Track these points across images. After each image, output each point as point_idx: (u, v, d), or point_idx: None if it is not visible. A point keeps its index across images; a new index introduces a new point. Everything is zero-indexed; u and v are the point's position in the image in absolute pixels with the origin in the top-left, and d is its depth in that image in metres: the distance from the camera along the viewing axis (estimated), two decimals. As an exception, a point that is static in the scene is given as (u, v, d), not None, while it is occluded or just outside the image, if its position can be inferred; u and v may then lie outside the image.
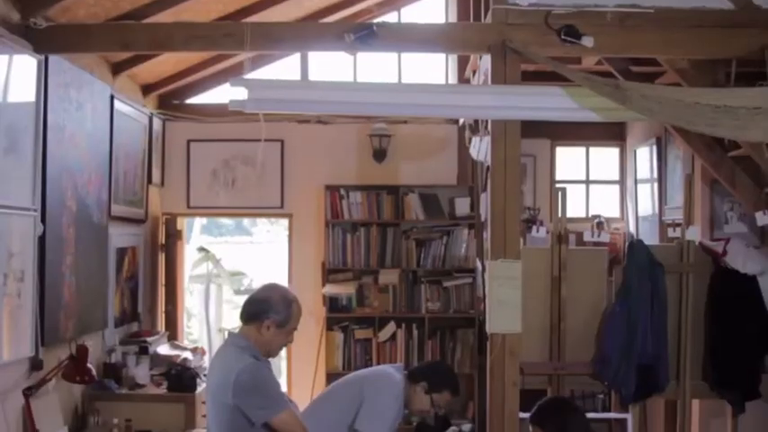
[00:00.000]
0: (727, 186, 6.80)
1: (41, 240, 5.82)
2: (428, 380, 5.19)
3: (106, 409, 6.60)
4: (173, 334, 8.84)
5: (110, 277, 7.33)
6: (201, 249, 13.19)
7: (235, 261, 14.40)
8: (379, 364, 8.85)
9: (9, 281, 5.32)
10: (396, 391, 5.25)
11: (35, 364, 5.76)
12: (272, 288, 4.42)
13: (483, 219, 6.94)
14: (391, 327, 8.95)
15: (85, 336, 6.41)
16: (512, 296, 5.46)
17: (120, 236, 7.61)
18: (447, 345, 8.99)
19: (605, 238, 6.95)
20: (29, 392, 5.48)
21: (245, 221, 16.72)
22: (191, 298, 12.87)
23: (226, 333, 4.50)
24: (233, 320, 14.49)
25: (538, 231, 6.90)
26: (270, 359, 4.35)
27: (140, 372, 7.13)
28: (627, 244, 6.31)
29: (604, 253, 6.40)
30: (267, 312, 4.24)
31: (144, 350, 7.46)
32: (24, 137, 5.56)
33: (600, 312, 6.14)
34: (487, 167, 5.92)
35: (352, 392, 5.23)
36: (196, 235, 13.90)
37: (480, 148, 6.43)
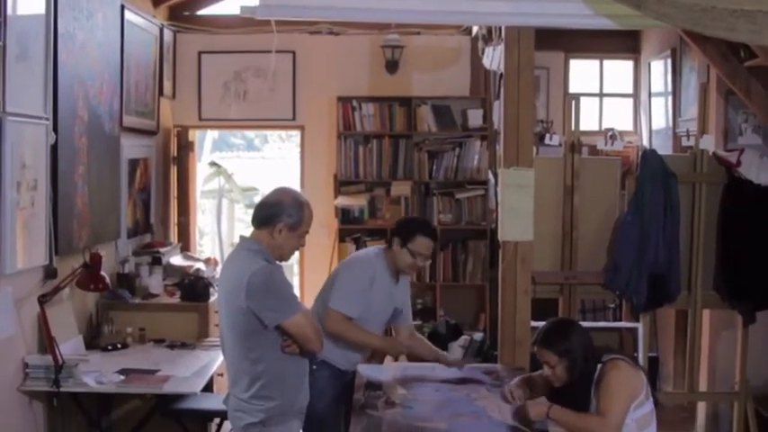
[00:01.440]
0: (743, 97, 6.73)
1: (54, 150, 5.81)
2: (399, 235, 5.15)
3: (120, 319, 6.65)
4: (185, 245, 8.88)
5: (122, 188, 7.34)
6: (213, 164, 13.18)
7: (246, 177, 14.39)
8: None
9: (22, 189, 5.33)
10: (363, 264, 5.25)
11: (49, 273, 5.80)
12: (283, 191, 4.40)
13: (496, 127, 6.90)
14: (403, 239, 8.96)
15: (99, 246, 6.43)
16: (524, 204, 5.46)
17: (131, 147, 7.60)
18: (459, 257, 9.02)
19: (618, 146, 6.93)
20: (43, 300, 5.52)
21: (256, 140, 16.68)
22: (202, 217, 12.89)
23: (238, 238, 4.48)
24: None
25: (551, 139, 6.87)
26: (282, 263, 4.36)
27: (153, 282, 7.16)
28: (640, 154, 6.28)
29: (617, 162, 6.39)
30: (279, 216, 4.23)
31: (157, 261, 7.50)
32: (35, 45, 5.52)
33: (612, 222, 6.15)
34: (500, 76, 5.88)
35: (332, 276, 5.29)
36: (207, 152, 13.86)
37: (494, 58, 6.38)
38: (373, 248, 5.48)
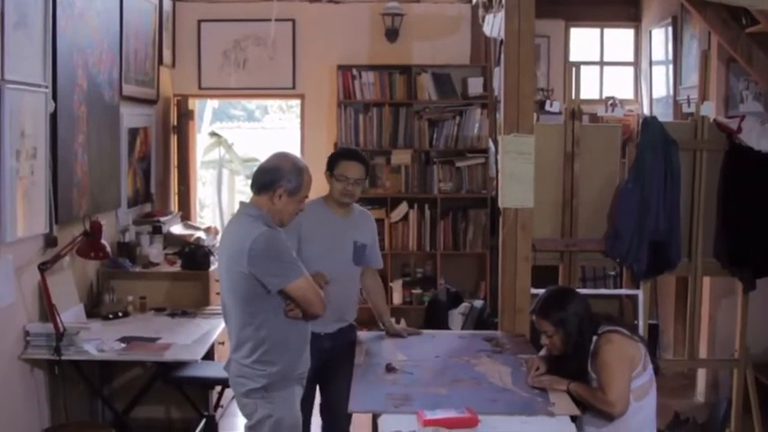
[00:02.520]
0: (744, 64, 6.72)
1: (53, 118, 5.79)
2: (328, 169, 5.14)
3: (120, 287, 6.65)
4: (185, 214, 8.88)
5: (122, 157, 7.33)
6: (213, 134, 13.17)
7: (247, 147, 14.38)
8: (391, 245, 8.93)
9: (22, 158, 5.32)
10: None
11: (49, 242, 5.79)
12: (282, 157, 4.40)
13: (496, 94, 6.88)
14: (403, 207, 8.98)
15: (99, 215, 6.42)
16: (524, 171, 5.46)
17: (131, 116, 7.58)
18: (459, 225, 9.02)
19: (619, 113, 6.91)
20: (44, 268, 5.52)
21: (257, 111, 16.64)
22: (203, 188, 12.88)
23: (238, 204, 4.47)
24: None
25: (551, 105, 6.85)
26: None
27: (154, 250, 7.16)
28: (640, 121, 6.25)
29: (618, 130, 6.36)
30: (279, 181, 4.23)
31: (157, 229, 7.50)
32: (34, 12, 5.49)
33: (613, 189, 6.13)
34: (501, 42, 5.85)
35: None
36: (207, 123, 13.84)
37: (494, 25, 6.36)
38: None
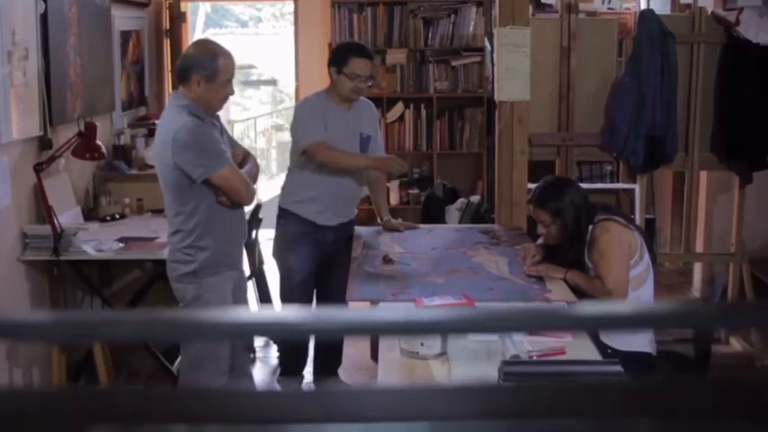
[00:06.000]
0: (743, -46, 6.64)
1: (44, 19, 5.73)
2: (334, 64, 5.09)
3: (117, 190, 6.65)
4: (181, 118, 8.82)
5: (115, 60, 7.26)
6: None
7: (242, 53, 14.28)
8: (387, 145, 8.89)
9: (14, 58, 5.27)
10: (304, 102, 5.40)
11: (44, 144, 5.77)
12: (197, 44, 4.52)
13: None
14: (399, 107, 8.92)
15: (93, 118, 6.38)
16: (520, 63, 5.43)
17: (123, 19, 7.49)
18: (455, 124, 8.98)
19: (616, 5, 6.84)
20: (39, 168, 5.50)
21: (250, 22, 16.52)
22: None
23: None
24: (239, 114, 14.50)
25: (547, -1, 6.79)
26: (215, 121, 4.46)
27: (150, 153, 7.11)
28: (638, 13, 6.20)
29: (614, 23, 6.33)
30: (193, 68, 4.28)
31: (153, 132, 7.44)
32: None
33: (609, 83, 6.10)
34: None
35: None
36: (200, 31, 13.72)
37: None
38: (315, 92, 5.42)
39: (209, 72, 4.26)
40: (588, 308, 0.71)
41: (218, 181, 4.25)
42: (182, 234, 4.37)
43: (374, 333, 0.69)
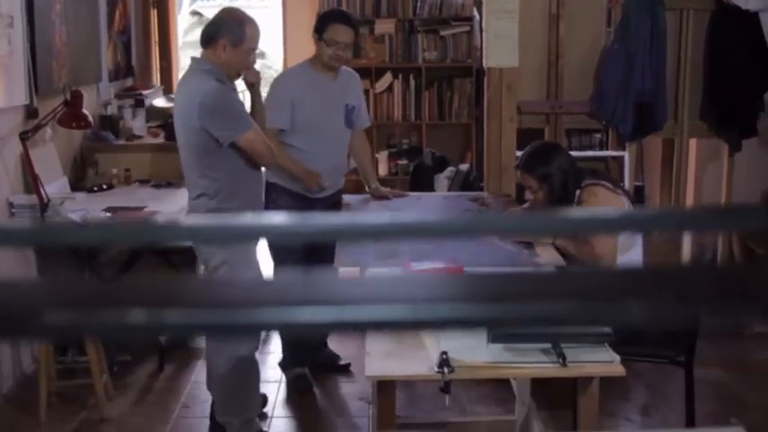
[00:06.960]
0: None
1: (28, -14, 5.69)
2: (316, 31, 5.10)
3: (104, 160, 6.62)
4: (168, 88, 8.79)
5: (101, 29, 7.21)
6: (195, 13, 12.96)
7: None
8: (376, 115, 8.85)
9: (-2, 27, 5.23)
10: (279, 78, 5.51)
11: (31, 113, 5.73)
12: (225, 10, 4.54)
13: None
14: (388, 77, 8.89)
15: (80, 88, 6.34)
16: (509, 29, 5.40)
17: (109, -13, 7.45)
18: (444, 95, 8.95)
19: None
20: (25, 136, 5.46)
21: (239, -1, 16.39)
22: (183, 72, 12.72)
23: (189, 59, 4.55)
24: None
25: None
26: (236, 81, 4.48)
27: (137, 123, 7.12)
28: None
29: (604, -10, 6.29)
30: (220, 32, 4.30)
31: (140, 103, 7.44)
32: None
33: (598, 51, 6.08)
34: None
35: None
36: (186, 4, 13.61)
37: None
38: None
39: (235, 37, 4.28)
40: (576, 213, 0.69)
41: (243, 144, 4.29)
42: (206, 197, 4.36)
43: (362, 237, 0.67)
